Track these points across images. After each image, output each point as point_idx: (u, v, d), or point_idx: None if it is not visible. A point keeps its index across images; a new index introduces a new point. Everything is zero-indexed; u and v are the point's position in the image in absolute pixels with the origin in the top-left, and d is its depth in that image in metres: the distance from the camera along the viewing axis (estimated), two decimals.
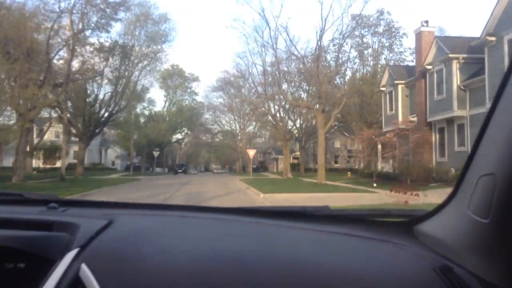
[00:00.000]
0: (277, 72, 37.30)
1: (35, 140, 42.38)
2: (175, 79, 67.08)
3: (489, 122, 0.87)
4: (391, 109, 28.50)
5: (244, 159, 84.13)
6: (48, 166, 38.40)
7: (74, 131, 38.40)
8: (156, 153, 50.61)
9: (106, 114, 42.36)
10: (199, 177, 45.88)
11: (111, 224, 1.11)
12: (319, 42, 30.13)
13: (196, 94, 71.31)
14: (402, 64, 35.96)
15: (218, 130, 76.15)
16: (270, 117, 42.43)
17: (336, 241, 1.13)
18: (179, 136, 77.00)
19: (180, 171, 61.92)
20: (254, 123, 62.78)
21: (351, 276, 0.92)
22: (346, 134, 58.84)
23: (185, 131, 72.94)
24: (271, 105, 40.61)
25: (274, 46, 34.12)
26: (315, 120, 34.60)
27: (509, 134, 0.79)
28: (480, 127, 0.90)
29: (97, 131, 42.22)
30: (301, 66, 32.96)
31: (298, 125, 49.87)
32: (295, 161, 69.34)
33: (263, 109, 40.31)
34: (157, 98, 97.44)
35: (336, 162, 60.00)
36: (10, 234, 0.95)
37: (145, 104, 58.56)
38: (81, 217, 1.16)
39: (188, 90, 70.20)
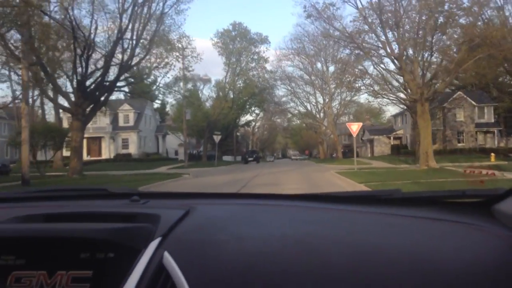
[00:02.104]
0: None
1: None
2: (238, 42, 51.49)
3: None
4: None
5: (329, 143, 70.08)
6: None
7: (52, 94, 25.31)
8: (217, 137, 38.76)
9: (116, 71, 24.97)
10: (273, 167, 33.76)
11: (188, 213, 1.16)
12: None
13: (266, 60, 53.68)
14: None
15: (294, 110, 61.93)
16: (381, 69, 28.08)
17: (408, 224, 1.10)
18: (248, 117, 64.18)
19: (251, 159, 49.91)
20: (344, 92, 48.21)
21: (426, 259, 0.89)
22: (473, 102, 43.05)
23: (255, 111, 59.28)
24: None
25: None
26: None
27: None
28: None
29: (102, 98, 24.75)
30: None
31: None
32: (396, 143, 54.33)
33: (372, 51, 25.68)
34: (216, 69, 79.79)
35: (459, 141, 44.31)
36: (98, 227, 1.01)
37: (188, 57, 34.31)
38: (161, 208, 1.21)
39: (256, 57, 53.05)
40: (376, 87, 30.19)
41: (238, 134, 74.36)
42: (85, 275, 0.95)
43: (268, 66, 53.01)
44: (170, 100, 56.99)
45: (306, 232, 1.04)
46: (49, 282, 0.95)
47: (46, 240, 0.99)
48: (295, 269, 0.86)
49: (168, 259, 0.90)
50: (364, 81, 34.15)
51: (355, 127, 21.51)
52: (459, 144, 43.88)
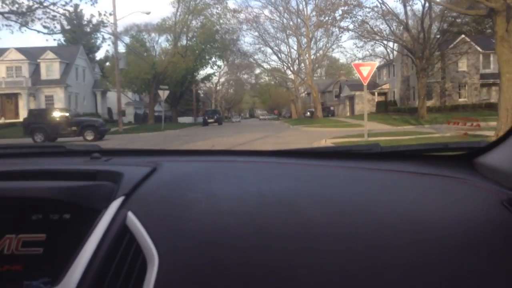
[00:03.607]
0: None
1: None
2: None
3: None
4: None
5: (306, 100, 61.53)
6: None
7: None
8: (163, 93, 29.65)
9: None
10: (238, 130, 25.39)
11: (155, 171, 1.08)
12: None
13: None
14: None
15: (263, 62, 52.37)
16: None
17: (388, 179, 1.06)
18: (209, 70, 54.12)
19: (211, 120, 41.01)
20: (323, 36, 39.04)
21: (407, 214, 0.86)
22: (479, 48, 35.46)
23: (217, 63, 47.95)
24: None
25: None
26: None
27: None
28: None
29: None
30: None
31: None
32: (380, 99, 46.73)
33: None
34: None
35: (460, 95, 36.97)
36: (52, 185, 0.93)
37: None
38: (124, 166, 1.13)
39: None
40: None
41: (200, 91, 64.79)
42: (37, 238, 0.89)
43: (231, 4, 42.46)
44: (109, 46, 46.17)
45: (283, 188, 0.99)
46: None
47: None
48: (273, 228, 0.81)
49: (132, 219, 0.84)
50: (354, 18, 25.71)
51: (366, 70, 13.07)
52: (460, 99, 36.64)
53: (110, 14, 25.22)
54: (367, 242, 0.77)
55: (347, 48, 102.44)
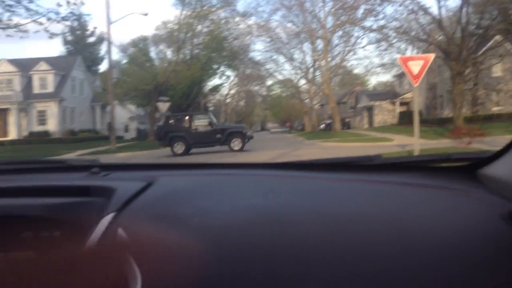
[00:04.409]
0: None
1: None
2: None
3: None
4: None
5: (319, 112, 57.81)
6: None
7: None
8: (164, 105, 26.38)
9: None
10: (247, 147, 21.66)
11: (150, 186, 1.08)
12: None
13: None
14: None
15: (274, 71, 48.83)
16: None
17: (388, 191, 1.04)
18: (216, 81, 50.83)
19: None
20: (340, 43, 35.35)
21: (409, 228, 0.85)
22: None
23: (226, 73, 44.40)
24: None
25: None
26: None
27: None
28: None
29: None
30: None
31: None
32: (402, 109, 42.86)
33: None
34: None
35: (493, 104, 33.02)
36: (43, 203, 0.95)
37: None
38: (120, 181, 1.13)
39: None
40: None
41: (208, 104, 61.53)
42: (27, 256, 0.89)
43: (240, 6, 38.94)
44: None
45: (278, 203, 0.97)
46: None
47: None
48: (266, 243, 0.80)
49: (123, 236, 0.84)
50: (381, 15, 22.33)
51: (417, 66, 9.47)
52: (495, 108, 32.72)
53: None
54: (363, 258, 0.76)
55: (362, 57, 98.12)
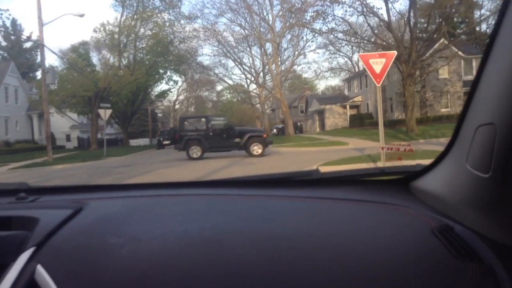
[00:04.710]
0: None
1: None
2: None
3: (486, 63, 0.73)
4: None
5: (271, 116, 57.14)
6: None
7: None
8: (105, 112, 24.45)
9: None
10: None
11: (78, 212, 1.01)
12: None
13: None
14: None
15: (224, 76, 47.54)
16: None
17: (324, 208, 1.06)
18: (163, 86, 48.65)
19: (167, 142, 35.81)
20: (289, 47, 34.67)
21: (340, 245, 0.86)
22: (461, 53, 32.16)
23: (173, 78, 42.58)
24: None
25: None
26: None
27: (509, 76, 0.65)
28: (477, 69, 0.75)
29: None
30: None
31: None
32: (352, 112, 42.97)
33: None
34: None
35: (442, 105, 33.58)
36: None
37: None
38: (45, 209, 1.05)
39: None
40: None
41: (157, 111, 59.21)
42: None
43: (185, 9, 37.47)
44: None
45: (212, 226, 0.94)
46: None
47: None
48: (199, 272, 0.77)
49: (41, 273, 0.76)
50: (331, 17, 21.84)
51: (379, 65, 8.69)
52: (443, 109, 33.35)
53: None
54: (298, 279, 0.74)
55: (311, 61, 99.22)
